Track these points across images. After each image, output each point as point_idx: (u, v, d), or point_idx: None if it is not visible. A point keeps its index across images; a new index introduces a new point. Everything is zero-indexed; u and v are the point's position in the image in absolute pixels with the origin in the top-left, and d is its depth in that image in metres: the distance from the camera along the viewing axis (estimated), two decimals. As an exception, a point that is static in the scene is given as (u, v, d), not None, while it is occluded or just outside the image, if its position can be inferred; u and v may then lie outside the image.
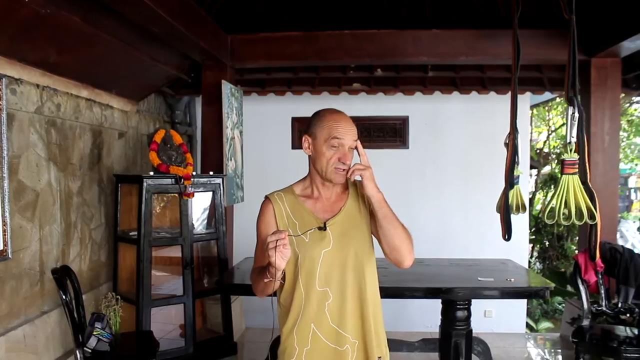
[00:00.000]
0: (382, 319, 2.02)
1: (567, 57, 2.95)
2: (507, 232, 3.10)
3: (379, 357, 1.95)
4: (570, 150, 2.84)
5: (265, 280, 1.77)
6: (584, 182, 2.85)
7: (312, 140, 1.94)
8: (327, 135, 1.88)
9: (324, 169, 1.90)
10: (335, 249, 1.90)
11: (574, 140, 2.85)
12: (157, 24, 3.57)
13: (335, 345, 1.90)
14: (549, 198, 2.92)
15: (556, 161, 10.09)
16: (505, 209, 3.09)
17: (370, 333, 1.92)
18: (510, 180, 3.11)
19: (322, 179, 1.95)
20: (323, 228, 1.90)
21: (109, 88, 4.35)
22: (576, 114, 2.84)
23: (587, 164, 2.87)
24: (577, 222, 2.79)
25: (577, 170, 2.82)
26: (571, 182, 2.82)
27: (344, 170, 1.88)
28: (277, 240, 1.66)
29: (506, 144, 3.20)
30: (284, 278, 1.91)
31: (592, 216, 2.77)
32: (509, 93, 5.64)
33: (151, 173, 4.11)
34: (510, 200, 3.12)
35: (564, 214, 2.80)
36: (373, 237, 2.00)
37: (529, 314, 8.02)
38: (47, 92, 3.54)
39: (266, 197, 2.02)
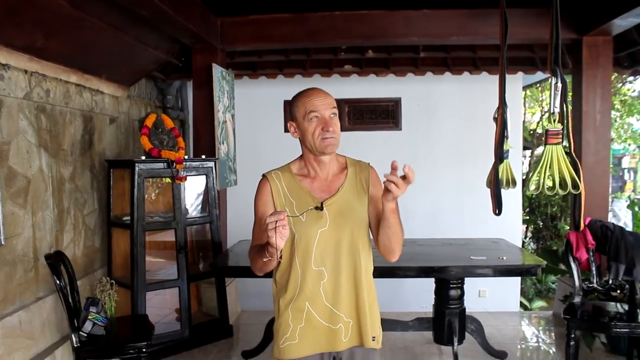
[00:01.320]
0: (376, 299, 2.04)
1: (552, 31, 2.94)
2: (497, 207, 3.11)
3: (373, 337, 1.97)
4: (554, 121, 2.85)
5: (264, 259, 1.79)
6: (567, 152, 2.86)
7: (295, 123, 1.97)
8: (304, 112, 1.91)
9: (313, 143, 1.91)
10: (331, 229, 1.91)
11: (557, 110, 2.86)
12: (144, 6, 3.53)
13: (329, 324, 1.92)
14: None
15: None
16: (495, 184, 3.10)
17: (365, 313, 1.94)
18: (500, 155, 3.11)
19: (315, 155, 1.96)
20: (320, 208, 1.91)
21: (99, 73, 4.32)
22: (559, 84, 2.84)
23: (570, 134, 2.88)
24: (560, 192, 2.81)
25: (560, 140, 2.84)
26: (555, 152, 2.84)
27: (331, 137, 1.89)
28: (276, 221, 1.67)
29: (495, 119, 3.20)
30: (282, 256, 1.93)
31: (575, 186, 2.78)
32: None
33: (143, 158, 4.10)
34: (500, 175, 3.13)
35: (548, 184, 2.82)
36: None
37: (523, 293, 8.09)
38: (36, 77, 3.52)
39: (263, 176, 2.03)
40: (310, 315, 1.92)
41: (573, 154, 2.88)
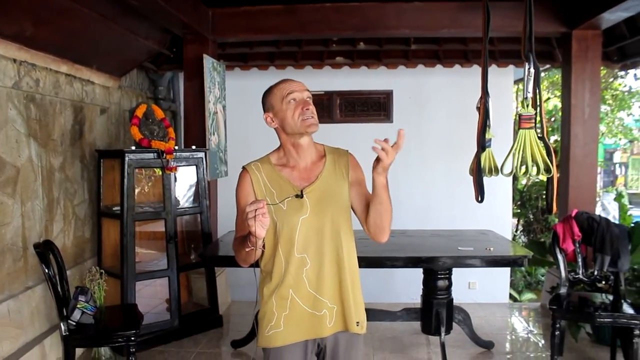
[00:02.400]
0: (359, 284, 2.06)
1: (525, 18, 2.98)
2: (479, 194, 3.14)
3: (357, 322, 2.00)
4: (527, 106, 2.89)
5: (247, 250, 1.80)
6: (540, 137, 2.89)
7: (272, 113, 2.00)
8: (281, 96, 1.96)
9: (295, 125, 1.94)
10: (312, 216, 1.93)
11: (530, 95, 2.90)
12: (135, -4, 3.54)
13: (313, 310, 1.94)
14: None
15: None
16: (477, 172, 3.13)
17: (348, 298, 1.97)
18: (482, 143, 3.15)
19: (295, 141, 1.99)
20: (300, 196, 1.93)
21: (89, 63, 4.31)
22: (532, 70, 2.88)
23: (543, 119, 2.92)
24: (533, 176, 2.85)
25: (533, 124, 2.88)
26: (528, 136, 2.88)
27: (311, 117, 1.94)
28: (255, 209, 1.68)
29: (478, 108, 3.23)
30: (265, 246, 1.95)
31: (548, 169, 2.82)
32: (493, 65, 5.71)
33: (133, 148, 4.10)
34: (482, 163, 3.16)
35: (522, 167, 2.87)
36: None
37: (513, 285, 8.15)
38: (25, 67, 3.51)
39: (243, 168, 2.05)
40: (294, 302, 1.94)
41: (545, 138, 2.91)
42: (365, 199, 2.00)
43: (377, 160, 1.78)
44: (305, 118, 1.93)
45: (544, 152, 2.85)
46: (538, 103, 2.90)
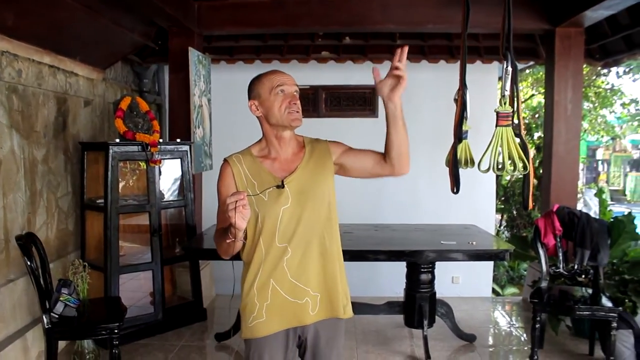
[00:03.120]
0: (343, 270, 2.08)
1: (504, 17, 3.02)
2: (455, 186, 3.18)
3: (343, 308, 2.03)
4: (505, 103, 2.93)
5: (228, 241, 1.81)
6: (517, 134, 2.93)
7: (258, 101, 2.01)
8: (270, 87, 1.97)
9: (280, 118, 1.96)
10: (293, 206, 1.95)
11: (507, 93, 2.94)
12: (119, -13, 3.51)
13: (295, 299, 1.96)
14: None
15: (525, 132, 10.24)
16: (453, 163, 3.16)
17: (336, 285, 2.00)
18: (459, 135, 3.18)
19: (278, 132, 2.01)
20: (281, 186, 1.94)
21: (73, 55, 4.28)
22: (509, 69, 2.92)
23: (520, 117, 2.96)
24: (509, 172, 2.90)
25: (510, 122, 2.92)
26: (505, 134, 2.92)
27: (297, 112, 1.96)
28: (236, 201, 1.69)
29: (455, 100, 3.26)
30: (246, 237, 1.96)
31: (524, 166, 2.87)
32: (477, 61, 5.75)
33: (117, 140, 4.08)
34: (458, 155, 3.19)
35: (499, 163, 2.91)
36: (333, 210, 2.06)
37: (496, 280, 8.24)
38: (7, 57, 3.47)
39: (225, 160, 2.06)
40: (275, 292, 1.95)
41: (522, 135, 2.95)
42: (362, 153, 2.04)
43: (391, 83, 1.82)
44: (291, 111, 1.95)
45: (520, 150, 2.89)
46: (515, 101, 2.93)
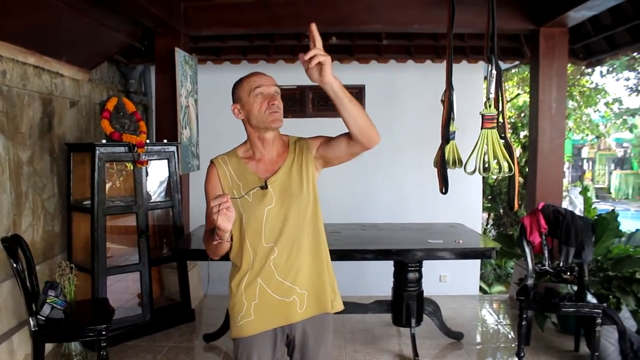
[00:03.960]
0: (330, 266, 2.10)
1: (488, 21, 3.05)
2: (444, 186, 3.20)
3: (332, 302, 2.06)
4: (489, 106, 2.96)
5: (215, 243, 1.83)
6: (502, 136, 2.96)
7: (239, 104, 2.02)
8: (249, 89, 1.98)
9: (260, 119, 1.97)
10: (278, 206, 1.96)
11: (492, 96, 2.96)
12: (104, -12, 3.50)
13: (283, 297, 1.98)
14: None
15: (511, 131, 10.32)
16: (441, 164, 3.19)
17: (324, 281, 2.03)
18: (447, 136, 3.21)
19: (260, 134, 2.02)
20: (264, 187, 1.96)
21: (58, 55, 4.25)
22: (494, 72, 2.94)
23: (505, 119, 2.99)
24: (494, 174, 2.93)
25: (495, 124, 2.94)
26: (490, 136, 2.94)
27: (277, 111, 1.96)
28: (219, 204, 1.70)
29: (442, 101, 3.29)
30: (232, 238, 1.97)
31: (509, 168, 2.90)
32: (463, 61, 5.79)
33: (104, 141, 4.07)
34: (446, 155, 3.22)
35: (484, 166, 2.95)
36: (319, 204, 2.07)
37: (483, 278, 8.30)
38: (-9, 58, 3.45)
39: (211, 161, 2.08)
40: (263, 291, 1.97)
41: (507, 137, 2.98)
42: (336, 139, 1.99)
43: (317, 67, 1.69)
44: (271, 112, 1.95)
45: (505, 151, 2.92)
46: (500, 103, 2.96)
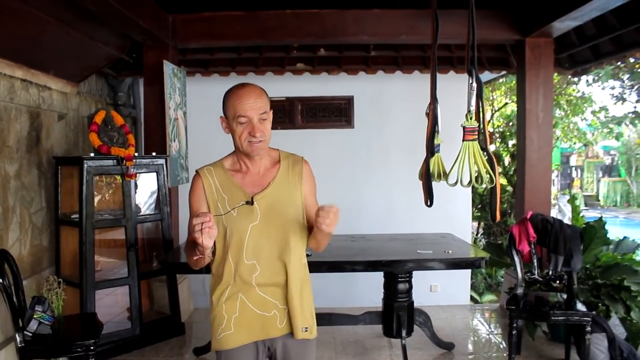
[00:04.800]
0: (310, 290, 2.09)
1: (468, 34, 3.08)
2: (429, 199, 3.21)
3: (305, 328, 2.01)
4: (470, 118, 2.98)
5: (195, 258, 1.82)
6: (483, 148, 2.99)
7: (226, 121, 1.98)
8: (234, 114, 1.92)
9: (239, 144, 1.95)
10: (262, 223, 1.95)
11: (473, 109, 2.99)
12: (92, 1, 3.49)
13: (263, 311, 1.97)
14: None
15: (500, 140, 10.40)
16: (426, 176, 3.20)
17: (295, 305, 1.99)
18: (431, 149, 3.22)
19: (242, 154, 2.00)
20: (250, 202, 1.94)
21: (46, 69, 4.24)
22: (474, 84, 2.97)
23: (486, 132, 3.01)
24: (476, 185, 2.95)
25: (476, 137, 2.96)
26: (471, 148, 2.96)
27: (258, 142, 1.92)
28: (202, 222, 1.69)
29: (427, 114, 3.31)
30: (214, 253, 1.96)
31: (491, 179, 2.92)
32: (451, 71, 5.83)
33: (92, 154, 4.05)
34: (431, 168, 3.23)
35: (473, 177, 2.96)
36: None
37: (474, 287, 8.31)
38: (-22, 72, 3.44)
39: (196, 172, 2.06)
40: (243, 304, 1.96)
41: (488, 149, 3.00)
42: (312, 212, 1.99)
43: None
44: (251, 142, 1.92)
45: (486, 163, 2.94)
46: (481, 115, 2.99)
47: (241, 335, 1.97)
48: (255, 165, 2.02)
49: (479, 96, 2.98)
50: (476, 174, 2.94)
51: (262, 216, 1.95)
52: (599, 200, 20.98)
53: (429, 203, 3.20)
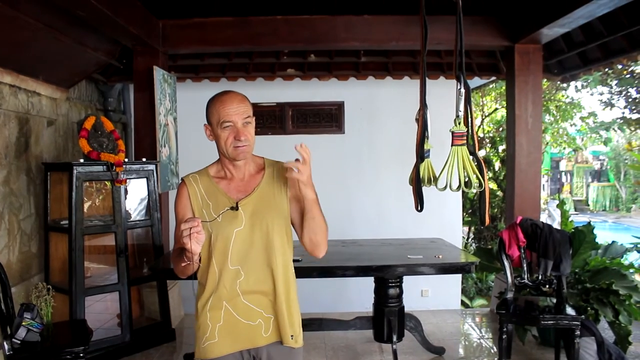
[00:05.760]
0: (295, 297, 2.06)
1: (456, 41, 3.10)
2: (419, 204, 3.22)
3: (292, 335, 2.00)
4: (459, 123, 3.01)
5: (183, 264, 1.82)
6: (472, 152, 3.01)
7: (210, 128, 1.99)
8: (218, 120, 1.92)
9: (225, 150, 1.96)
10: (247, 229, 1.94)
11: (461, 114, 3.02)
12: (82, 7, 3.49)
13: (248, 320, 1.96)
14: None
15: (490, 145, 10.46)
16: (416, 182, 3.21)
17: (282, 311, 1.97)
18: (421, 154, 3.24)
19: (228, 160, 2.00)
20: (235, 208, 1.94)
21: (35, 74, 4.22)
22: (462, 90, 3.00)
23: (475, 136, 3.04)
24: (465, 190, 2.97)
25: (465, 141, 2.99)
26: (460, 152, 2.99)
27: (243, 146, 1.93)
28: (190, 227, 1.70)
29: (417, 120, 3.33)
30: (200, 259, 1.95)
31: (479, 184, 2.94)
32: (441, 77, 5.87)
33: (82, 160, 4.03)
34: (421, 174, 3.25)
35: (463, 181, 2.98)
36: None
37: (464, 292, 8.34)
38: (-33, 77, 3.42)
39: (182, 179, 2.06)
40: (228, 313, 1.95)
41: (477, 153, 3.03)
42: (302, 215, 1.99)
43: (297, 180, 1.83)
44: (237, 146, 1.93)
45: (475, 168, 2.96)
46: (470, 120, 3.01)
47: (226, 345, 1.95)
48: (239, 172, 2.03)
49: (467, 101, 3.01)
50: (466, 179, 2.96)
51: (247, 222, 1.94)
52: (588, 205, 21.13)
53: (419, 208, 3.21)
